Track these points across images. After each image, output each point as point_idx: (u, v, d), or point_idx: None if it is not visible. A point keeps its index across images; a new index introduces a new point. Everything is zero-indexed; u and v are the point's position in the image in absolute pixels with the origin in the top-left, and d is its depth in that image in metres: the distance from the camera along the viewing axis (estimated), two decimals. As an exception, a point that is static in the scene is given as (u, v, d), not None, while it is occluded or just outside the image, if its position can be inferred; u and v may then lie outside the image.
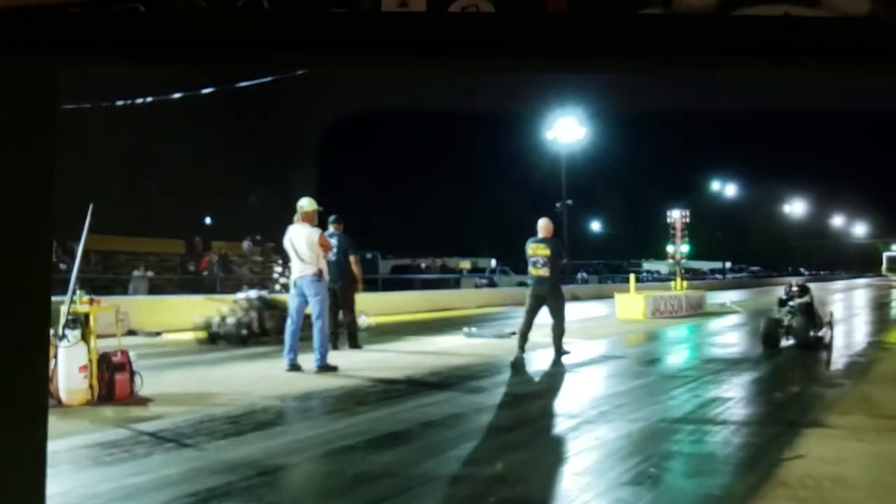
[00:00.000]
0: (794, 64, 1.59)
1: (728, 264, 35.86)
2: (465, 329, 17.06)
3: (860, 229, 33.71)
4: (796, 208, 30.91)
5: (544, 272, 13.25)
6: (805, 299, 14.02)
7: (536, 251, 13.33)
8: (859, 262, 34.09)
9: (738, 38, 1.56)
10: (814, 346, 13.70)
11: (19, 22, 1.64)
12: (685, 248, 27.95)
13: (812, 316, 14.09)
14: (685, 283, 26.61)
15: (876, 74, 1.64)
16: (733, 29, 1.57)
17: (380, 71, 1.89)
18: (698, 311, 22.48)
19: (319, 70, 2.06)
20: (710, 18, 1.62)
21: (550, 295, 13.22)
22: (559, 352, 13.13)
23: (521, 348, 13.05)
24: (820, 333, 14.16)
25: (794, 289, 14.24)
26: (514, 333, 15.46)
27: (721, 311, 23.23)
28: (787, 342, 13.98)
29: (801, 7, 1.61)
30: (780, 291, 14.71)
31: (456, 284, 29.26)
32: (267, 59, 1.73)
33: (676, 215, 26.86)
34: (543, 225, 13.54)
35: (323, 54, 1.65)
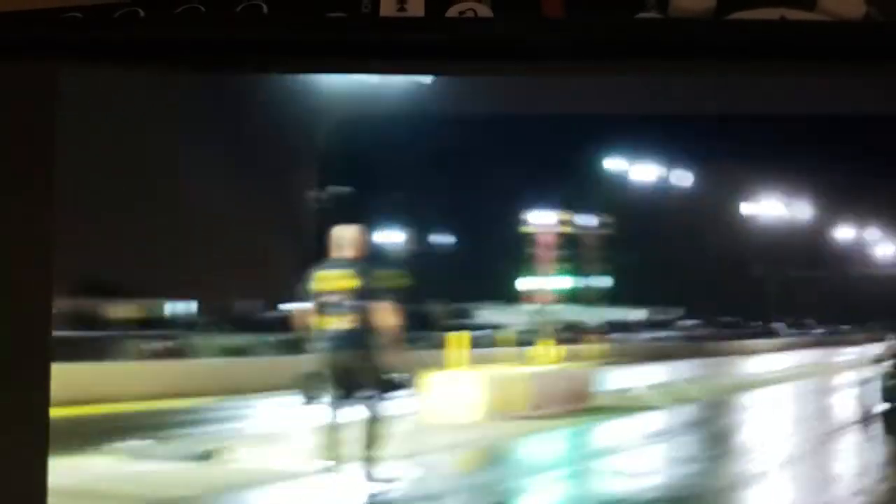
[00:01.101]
0: (791, 67, 1.80)
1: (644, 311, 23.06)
2: (127, 445, 10.04)
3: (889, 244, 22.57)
4: (767, 208, 20.93)
5: (351, 322, 8.22)
6: None
7: (334, 284, 8.33)
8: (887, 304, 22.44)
9: (734, 41, 1.78)
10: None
11: (21, 26, 1.86)
12: (561, 283, 18.65)
13: None
14: (558, 350, 17.61)
15: (872, 77, 1.86)
16: (730, 32, 1.82)
17: (378, 74, 2.21)
18: (580, 404, 14.46)
19: (319, 73, 2.18)
20: (707, 22, 1.86)
21: (361, 365, 8.29)
22: (372, 475, 8.11)
23: (335, 458, 8.19)
24: None
25: None
26: (210, 453, 9.33)
27: (624, 406, 15.18)
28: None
29: (797, 10, 1.88)
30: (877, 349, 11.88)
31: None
32: (266, 63, 1.91)
33: (546, 221, 17.62)
34: (350, 237, 8.49)
35: (321, 58, 1.86)
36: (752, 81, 1.97)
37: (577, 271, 17.44)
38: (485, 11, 1.91)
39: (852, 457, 10.69)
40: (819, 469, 10.22)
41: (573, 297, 18.14)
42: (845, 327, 22.70)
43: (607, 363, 17.31)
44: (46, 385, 2.09)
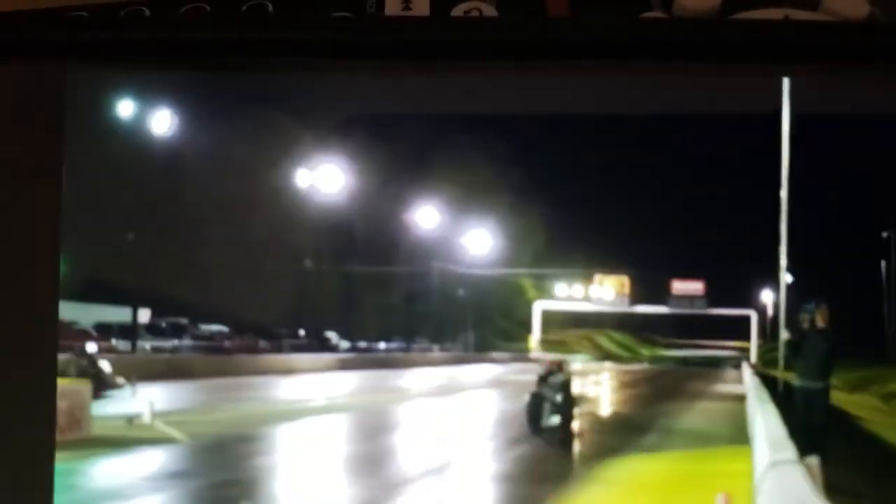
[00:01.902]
0: (795, 67, 1.78)
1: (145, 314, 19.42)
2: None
3: (476, 242, 22.15)
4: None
5: None
6: (564, 377, 14.86)
7: None
8: (476, 318, 22.49)
9: (738, 41, 1.71)
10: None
11: (26, 26, 1.79)
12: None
13: (570, 395, 14.88)
14: None
15: (876, 78, 1.85)
16: (734, 32, 1.73)
17: (383, 75, 2.12)
18: (72, 436, 11.59)
19: (322, 74, 2.11)
20: (711, 22, 1.78)
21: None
22: None
23: None
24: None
25: (553, 364, 15.50)
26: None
27: (130, 438, 12.43)
28: (551, 422, 13.99)
29: (802, 10, 1.79)
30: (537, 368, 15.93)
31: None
32: (270, 64, 1.87)
33: None
34: None
35: (326, 58, 1.79)
36: (750, 81, 2.07)
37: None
38: (490, 11, 1.84)
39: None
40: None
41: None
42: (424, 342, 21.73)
43: (104, 378, 14.32)
44: (53, 385, 1.89)
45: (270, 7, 1.91)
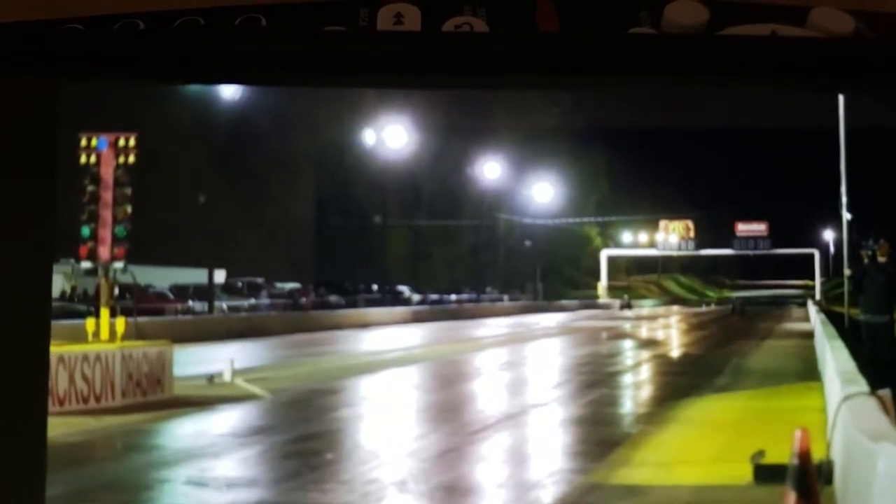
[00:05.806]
0: (781, 81, 1.78)
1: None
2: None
3: (541, 192, 21.95)
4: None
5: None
6: (742, 302, 26.64)
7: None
8: (544, 268, 21.92)
9: (726, 56, 1.76)
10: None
11: (20, 37, 1.80)
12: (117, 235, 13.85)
13: (745, 305, 26.59)
14: (121, 324, 13.83)
15: (860, 92, 1.83)
16: (722, 47, 1.78)
17: (375, 87, 2.25)
18: (155, 397, 11.43)
19: (316, 86, 2.06)
20: (699, 37, 1.85)
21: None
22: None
23: None
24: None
25: (737, 298, 26.98)
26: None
27: (211, 397, 12.29)
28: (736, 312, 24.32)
29: (788, 26, 1.85)
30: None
31: None
32: (264, 76, 1.90)
33: (104, 144, 12.67)
34: None
35: (319, 71, 1.82)
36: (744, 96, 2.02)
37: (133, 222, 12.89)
38: (481, 26, 1.86)
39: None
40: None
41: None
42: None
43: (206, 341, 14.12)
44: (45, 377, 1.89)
45: (264, 21, 1.91)
